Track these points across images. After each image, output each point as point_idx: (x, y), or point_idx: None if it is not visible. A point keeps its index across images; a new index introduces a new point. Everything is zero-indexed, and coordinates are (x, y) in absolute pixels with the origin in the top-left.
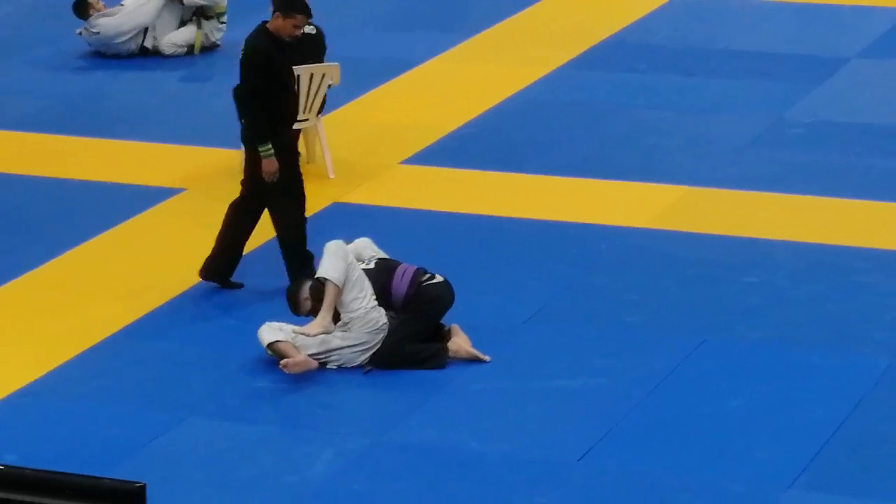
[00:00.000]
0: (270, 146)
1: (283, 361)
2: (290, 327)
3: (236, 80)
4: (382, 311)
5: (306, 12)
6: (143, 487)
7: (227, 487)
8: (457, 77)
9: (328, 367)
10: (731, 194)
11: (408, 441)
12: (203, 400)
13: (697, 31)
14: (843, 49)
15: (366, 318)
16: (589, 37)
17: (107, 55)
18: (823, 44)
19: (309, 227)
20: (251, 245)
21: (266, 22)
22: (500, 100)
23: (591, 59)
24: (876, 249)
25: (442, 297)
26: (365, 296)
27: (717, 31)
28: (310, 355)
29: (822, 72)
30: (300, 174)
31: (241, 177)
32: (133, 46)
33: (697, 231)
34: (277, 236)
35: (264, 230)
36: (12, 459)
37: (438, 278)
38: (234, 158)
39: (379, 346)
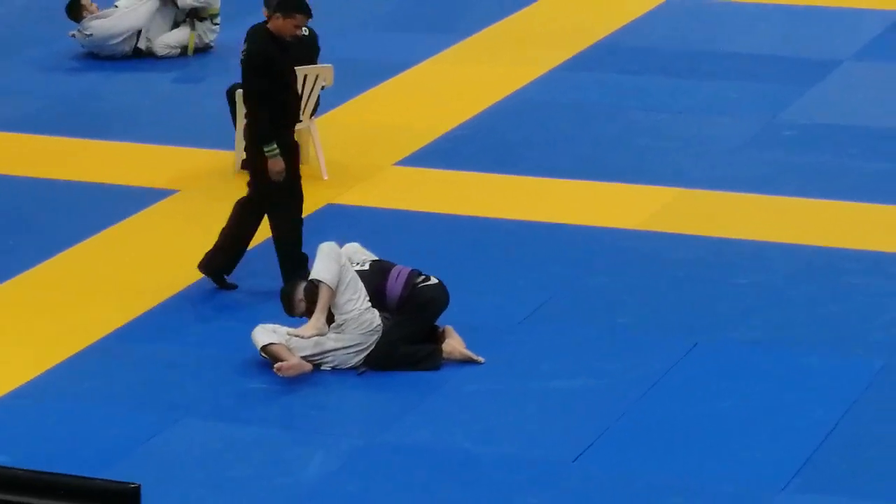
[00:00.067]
0: (276, 146)
1: (277, 365)
2: (283, 329)
3: (230, 82)
4: (376, 312)
5: (306, 12)
6: (138, 488)
7: (222, 488)
8: (451, 78)
9: (322, 368)
10: (724, 196)
11: (402, 442)
12: (197, 401)
13: (691, 32)
14: (836, 51)
15: (360, 320)
16: (583, 38)
17: (100, 56)
18: (817, 46)
19: (303, 229)
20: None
21: (267, 22)
22: (495, 101)
23: (585, 60)
24: (869, 251)
25: (436, 299)
26: (359, 297)
27: (712, 32)
28: (304, 357)
29: (816, 74)
30: (299, 175)
31: (235, 178)
32: (126, 48)
33: (691, 232)
34: (273, 236)
35: (260, 231)
36: (5, 460)
37: (433, 280)
38: (227, 159)
39: (373, 347)
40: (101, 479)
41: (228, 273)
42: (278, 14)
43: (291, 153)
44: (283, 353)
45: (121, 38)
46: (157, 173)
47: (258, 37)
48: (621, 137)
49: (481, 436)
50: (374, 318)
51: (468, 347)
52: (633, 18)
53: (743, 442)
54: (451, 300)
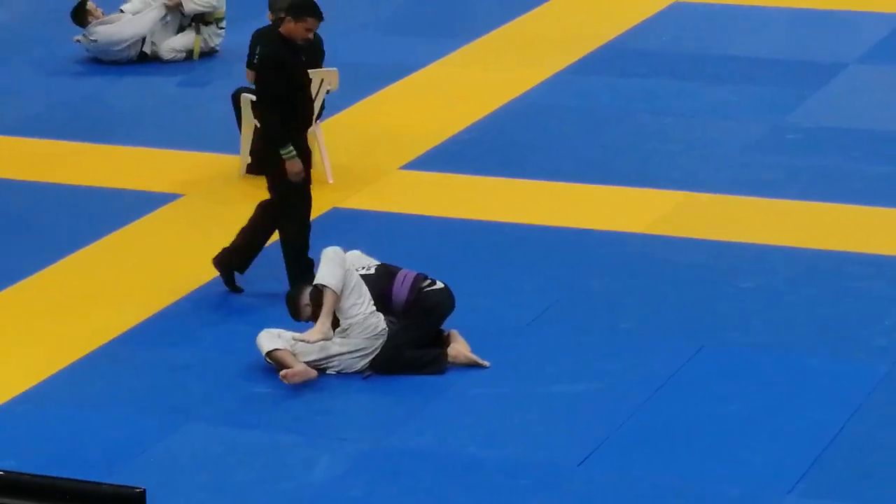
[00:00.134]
0: (292, 148)
1: (282, 372)
2: (288, 334)
3: (235, 86)
4: (381, 316)
5: (318, 16)
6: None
7: (225, 492)
8: (456, 82)
9: (328, 372)
10: (729, 199)
11: (406, 446)
12: (201, 405)
13: (697, 36)
14: (841, 55)
15: (364, 324)
16: (588, 42)
17: (105, 61)
18: (822, 49)
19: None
20: None
21: (272, 26)
22: (500, 104)
23: (591, 64)
24: (874, 255)
25: (442, 304)
26: (363, 301)
27: (718, 36)
28: (309, 362)
29: (821, 77)
30: (310, 179)
31: (240, 182)
32: (132, 53)
33: (695, 236)
34: (280, 239)
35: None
36: (11, 465)
37: (439, 284)
38: (232, 164)
39: (378, 351)
40: (106, 484)
41: (241, 272)
42: (289, 18)
43: (303, 157)
44: (287, 358)
45: (125, 45)
46: (162, 177)
47: (271, 40)
48: (626, 141)
49: (486, 440)
50: (379, 322)
51: (473, 351)
52: (639, 21)
53: (747, 446)
54: (456, 304)
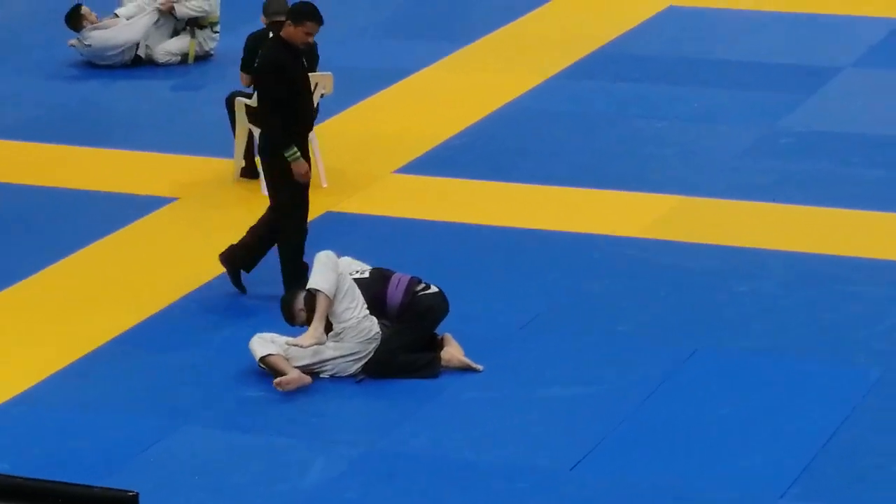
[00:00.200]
0: (296, 149)
1: (277, 380)
2: (282, 339)
3: (229, 89)
4: (374, 320)
5: (318, 20)
6: (136, 496)
7: (221, 495)
8: (450, 86)
9: (321, 376)
10: (724, 204)
11: (400, 450)
12: (196, 408)
13: (691, 40)
14: (836, 59)
15: (358, 328)
16: (583, 46)
17: (100, 65)
18: (817, 53)
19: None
20: None
21: (272, 30)
22: (494, 109)
23: (585, 68)
24: (868, 259)
25: (436, 308)
26: (356, 305)
27: (712, 40)
28: (302, 366)
29: (815, 81)
30: (308, 183)
31: (234, 186)
32: (126, 58)
33: (691, 240)
34: (276, 243)
35: None
36: (5, 468)
37: (433, 288)
38: (227, 167)
39: (371, 354)
40: (100, 487)
41: (248, 271)
42: (289, 22)
43: (305, 161)
44: (281, 364)
45: (119, 50)
46: (157, 181)
47: (270, 45)
48: (621, 145)
49: (480, 443)
50: (373, 326)
51: (467, 355)
52: (633, 26)
53: (742, 449)
54: (450, 308)
